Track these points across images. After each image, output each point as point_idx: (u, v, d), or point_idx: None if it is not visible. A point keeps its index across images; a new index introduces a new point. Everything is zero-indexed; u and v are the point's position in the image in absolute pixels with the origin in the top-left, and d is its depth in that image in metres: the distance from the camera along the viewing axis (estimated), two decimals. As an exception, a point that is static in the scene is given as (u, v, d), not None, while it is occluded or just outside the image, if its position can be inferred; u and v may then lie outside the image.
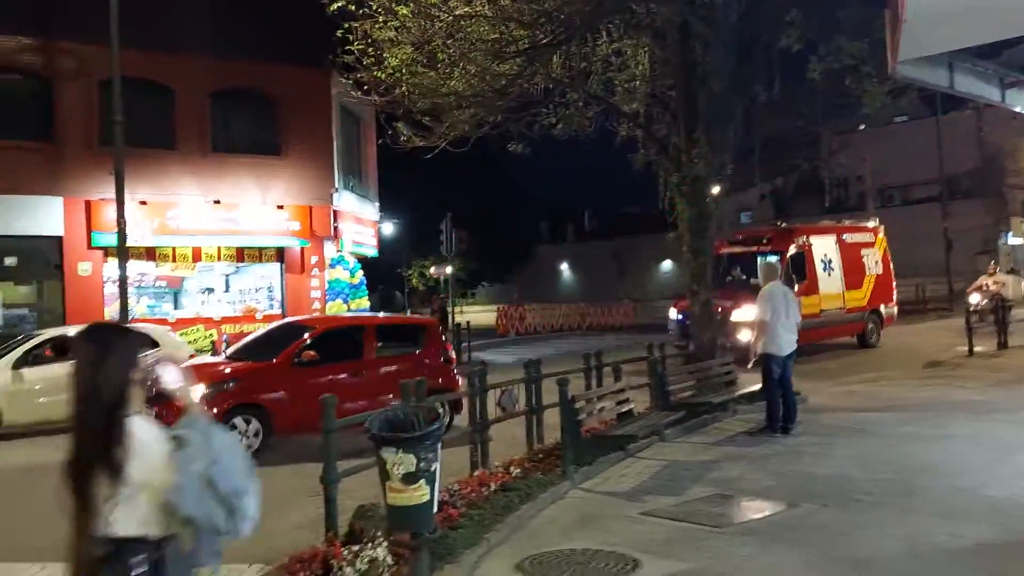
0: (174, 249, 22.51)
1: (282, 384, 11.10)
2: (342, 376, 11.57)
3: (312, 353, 11.37)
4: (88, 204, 20.68)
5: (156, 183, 21.32)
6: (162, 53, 20.77)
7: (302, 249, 23.91)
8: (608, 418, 10.16)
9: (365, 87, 12.91)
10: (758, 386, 11.48)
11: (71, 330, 14.60)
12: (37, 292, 21.37)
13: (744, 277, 19.58)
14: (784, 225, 21.75)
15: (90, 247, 20.84)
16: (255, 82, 23.12)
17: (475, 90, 12.06)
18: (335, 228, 24.48)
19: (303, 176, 23.74)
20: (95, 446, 2.70)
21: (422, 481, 4.77)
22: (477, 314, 42.66)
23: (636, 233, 50.22)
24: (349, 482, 6.71)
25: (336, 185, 24.59)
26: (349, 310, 24.47)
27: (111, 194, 17.27)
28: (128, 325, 3.13)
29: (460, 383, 12.29)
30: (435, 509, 4.91)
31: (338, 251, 24.85)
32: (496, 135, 13.36)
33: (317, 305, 24.21)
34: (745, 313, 16.32)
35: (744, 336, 14.64)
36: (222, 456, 2.82)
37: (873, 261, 21.97)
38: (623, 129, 14.36)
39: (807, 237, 20.25)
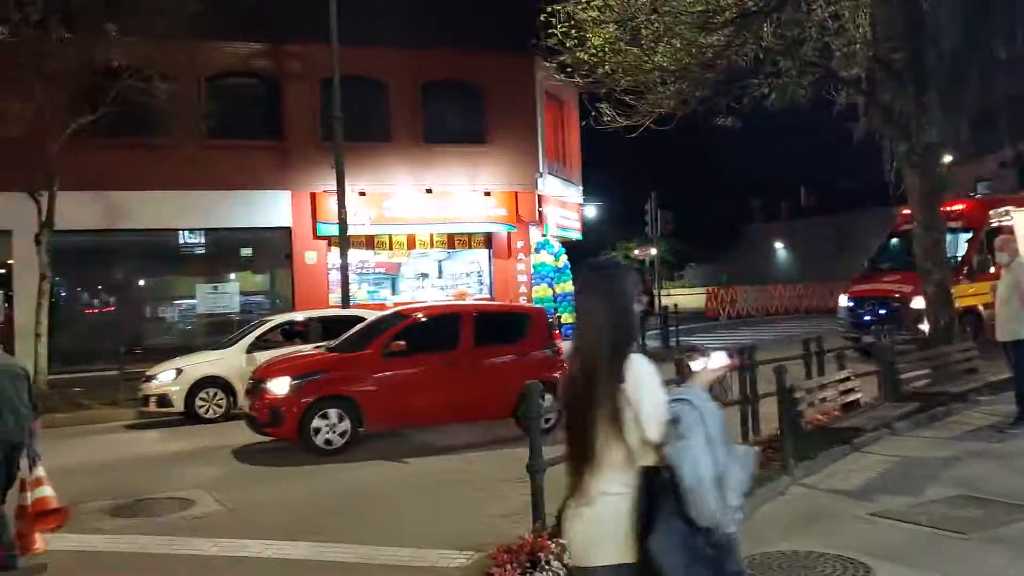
0: (391, 237, 23.57)
1: (372, 375, 10.75)
2: (436, 368, 10.98)
3: (402, 343, 10.81)
4: (313, 196, 22.05)
5: (373, 174, 22.37)
6: (376, 48, 21.68)
7: (508, 234, 24.30)
8: (831, 409, 9.47)
9: (568, 69, 12.76)
10: (1005, 375, 10.31)
11: (298, 315, 15.55)
12: (270, 280, 23.14)
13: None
14: (979, 196, 18.63)
15: (315, 237, 22.24)
16: (462, 71, 23.68)
17: (681, 65, 11.60)
18: (540, 212, 24.70)
19: (508, 162, 24.09)
20: (600, 379, 2.84)
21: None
22: (684, 296, 41.76)
23: (857, 208, 47.11)
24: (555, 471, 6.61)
25: (540, 170, 24.78)
26: (555, 294, 24.64)
27: (333, 186, 18.33)
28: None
29: None
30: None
31: (543, 235, 25.05)
32: (703, 110, 12.81)
33: (524, 289, 24.56)
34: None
35: (925, 326, 12.96)
36: (713, 435, 2.82)
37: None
38: (842, 97, 13.36)
39: (1008, 210, 17.26)
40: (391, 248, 23.78)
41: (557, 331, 12.29)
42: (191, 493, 8.73)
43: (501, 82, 23.92)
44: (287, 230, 22.19)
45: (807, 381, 9.18)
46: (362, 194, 21.95)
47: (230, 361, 13.69)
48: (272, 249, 22.45)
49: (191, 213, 21.05)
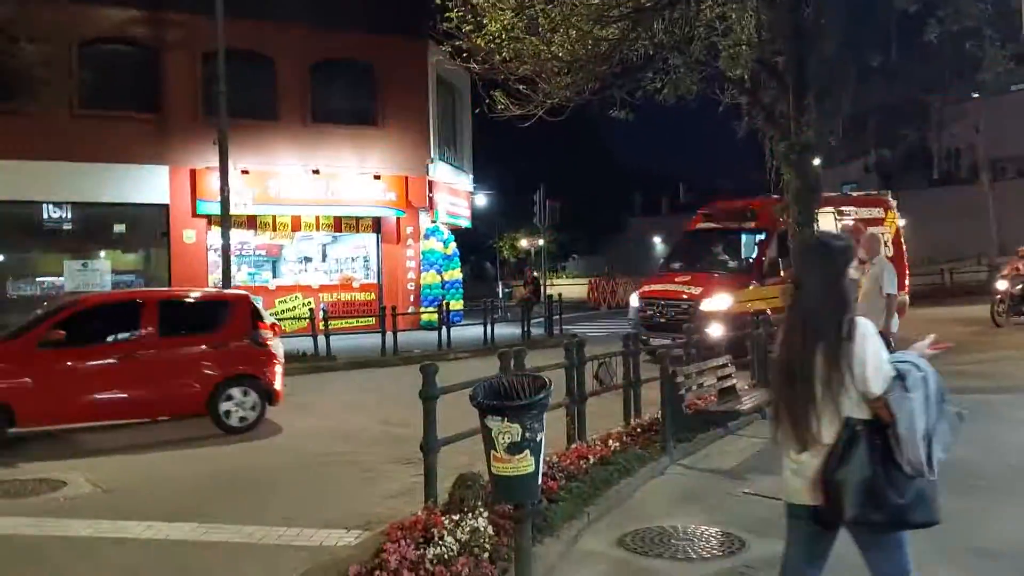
0: (274, 218, 23.01)
1: (23, 368, 9.68)
2: (106, 361, 10.07)
3: (62, 333, 9.80)
4: (193, 173, 21.28)
5: (258, 153, 21.77)
6: (264, 23, 21.11)
7: (398, 219, 24.12)
8: (709, 394, 9.87)
9: (463, 55, 12.75)
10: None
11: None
12: (144, 259, 22.19)
13: (721, 258, 16.98)
14: (770, 196, 18.22)
15: (195, 215, 21.48)
16: (354, 52, 23.33)
17: (576, 56, 11.78)
18: (430, 198, 24.62)
19: (399, 146, 23.89)
20: (827, 339, 3.24)
21: (527, 451, 4.62)
22: (568, 287, 42.46)
23: (732, 207, 48.95)
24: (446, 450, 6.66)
25: (432, 155, 24.70)
26: (443, 281, 24.62)
27: (215, 163, 17.73)
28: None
29: (277, 371, 10.90)
30: (539, 480, 4.78)
31: (433, 222, 24.98)
32: (595, 103, 13.06)
33: (412, 275, 24.43)
34: (718, 302, 15.00)
35: (715, 331, 12.78)
36: (932, 397, 3.23)
37: (881, 239, 19.04)
38: (727, 96, 13.87)
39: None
40: (274, 229, 23.23)
41: (269, 321, 11.28)
42: (63, 475, 8.32)
43: (393, 65, 23.67)
44: (164, 207, 21.35)
45: (687, 367, 9.51)
46: (245, 172, 21.32)
47: None
48: (147, 226, 21.55)
49: (58, 185, 19.98)
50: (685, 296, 15.19)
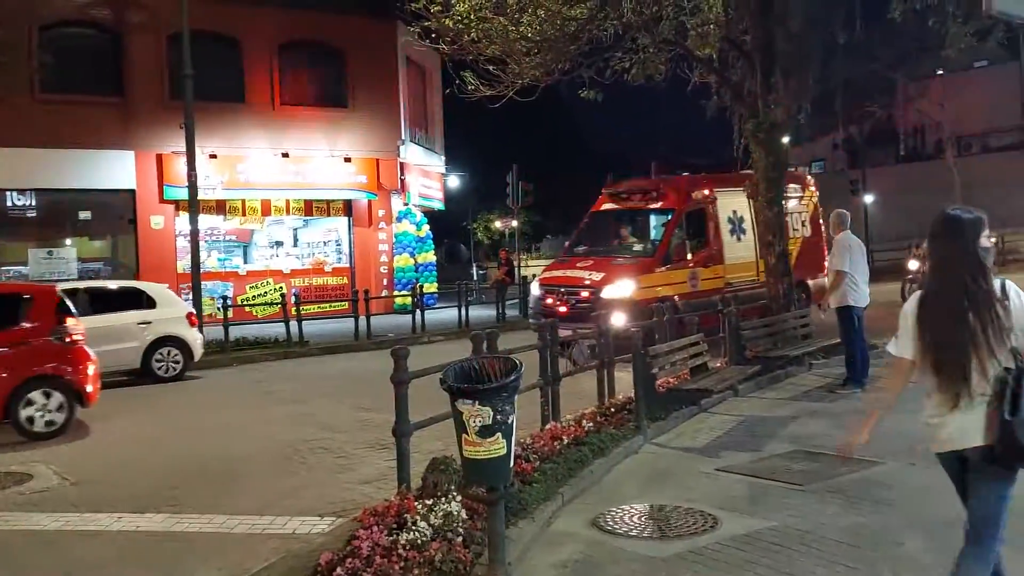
0: (244, 202, 22.76)
1: None
2: None
3: None
4: (159, 158, 20.98)
5: (226, 136, 21.49)
6: (229, 4, 20.80)
7: (369, 202, 23.96)
8: (681, 372, 9.92)
9: (432, 35, 12.66)
10: (836, 340, 11.10)
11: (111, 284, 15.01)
12: (111, 246, 21.90)
13: (625, 239, 15.65)
14: (678, 175, 16.58)
15: (162, 200, 21.20)
16: (322, 33, 23.07)
17: (544, 35, 11.73)
18: (402, 181, 24.47)
19: (370, 128, 23.70)
20: (981, 299, 3.62)
21: (499, 434, 4.62)
22: (541, 268, 42.42)
23: (704, 185, 49.17)
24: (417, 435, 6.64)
25: (403, 137, 24.53)
26: (416, 264, 24.53)
27: (182, 147, 17.50)
28: None
29: (88, 370, 10.07)
30: (511, 463, 4.78)
31: (405, 204, 24.85)
32: (565, 83, 13.02)
33: (385, 259, 24.31)
34: (619, 289, 13.51)
35: (618, 320, 11.56)
36: None
37: (799, 220, 17.10)
38: (696, 75, 13.88)
39: (710, 190, 15.58)
40: (244, 214, 22.98)
41: (177, 313, 10.48)
42: (28, 467, 8.21)
43: (362, 46, 23.43)
44: (131, 192, 21.05)
45: (659, 346, 9.54)
46: (213, 156, 21.06)
47: None
48: (114, 213, 21.24)
49: (20, 172, 19.63)
50: (586, 282, 13.90)
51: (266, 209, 23.15)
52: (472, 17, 11.81)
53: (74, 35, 20.59)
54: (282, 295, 20.55)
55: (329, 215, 24.07)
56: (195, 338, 14.26)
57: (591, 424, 8.04)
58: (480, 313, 22.21)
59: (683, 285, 14.22)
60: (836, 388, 10.38)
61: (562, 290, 14.26)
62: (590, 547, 5.53)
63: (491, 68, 12.64)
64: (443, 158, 29.67)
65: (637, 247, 15.17)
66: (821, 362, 11.99)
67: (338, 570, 4.71)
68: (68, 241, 21.06)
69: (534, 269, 35.44)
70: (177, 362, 13.91)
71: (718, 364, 10.94)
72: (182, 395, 12.80)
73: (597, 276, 13.89)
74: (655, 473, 7.26)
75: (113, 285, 15.17)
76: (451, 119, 29.47)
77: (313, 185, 22.98)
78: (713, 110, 14.34)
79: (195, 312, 15.01)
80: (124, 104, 20.80)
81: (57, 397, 9.71)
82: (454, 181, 33.46)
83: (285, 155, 22.36)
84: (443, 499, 5.51)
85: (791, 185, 16.41)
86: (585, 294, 13.80)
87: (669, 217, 14.92)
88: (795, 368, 11.64)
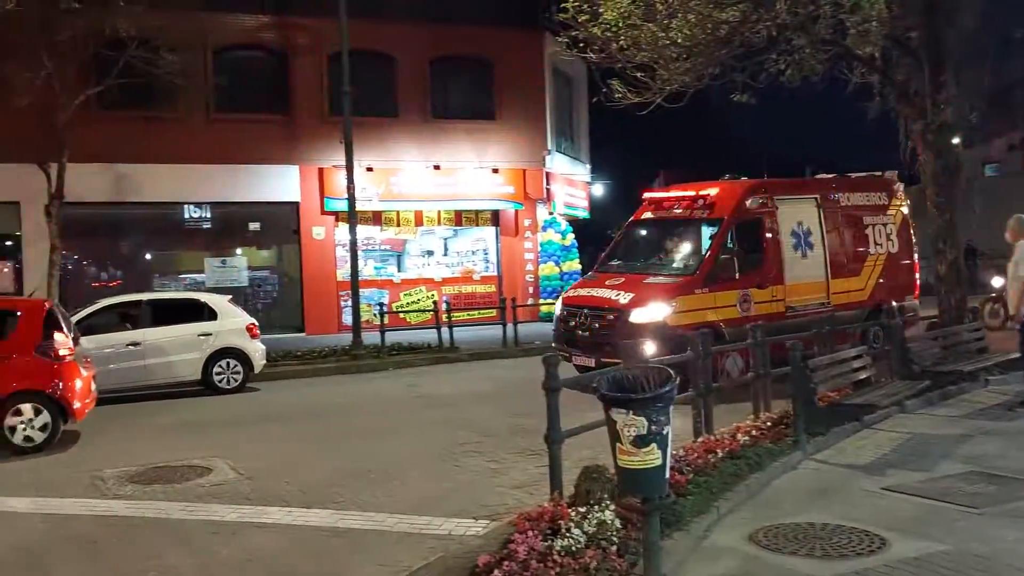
0: (398, 213, 23.55)
1: None
2: None
3: None
4: (321, 171, 22.02)
5: (381, 150, 22.32)
6: (385, 22, 21.61)
7: (516, 212, 24.28)
8: (843, 386, 9.51)
9: (580, 45, 12.72)
10: (1016, 354, 10.34)
11: (130, 298, 14.39)
12: (277, 255, 23.17)
13: (667, 254, 13.40)
14: (729, 178, 14.16)
15: (323, 212, 22.23)
16: (471, 47, 23.58)
17: (695, 40, 11.56)
18: (547, 190, 24.67)
19: (516, 139, 24.02)
20: None
21: (653, 444, 4.58)
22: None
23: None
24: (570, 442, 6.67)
25: (548, 147, 24.73)
26: (561, 272, 24.65)
27: (341, 161, 18.32)
28: None
29: (75, 386, 9.88)
30: (667, 474, 4.72)
31: (550, 213, 25.02)
32: (716, 87, 12.79)
33: (531, 267, 24.57)
34: (651, 312, 11.65)
35: (649, 348, 10.58)
36: None
37: (883, 234, 14.61)
38: (856, 75, 13.30)
39: (769, 198, 13.28)
40: (398, 224, 23.77)
41: (63, 328, 9.96)
42: (207, 461, 8.78)
43: (510, 58, 23.82)
44: (295, 205, 22.18)
45: (820, 359, 9.18)
46: (369, 169, 21.90)
47: None
48: (280, 224, 22.44)
49: (198, 187, 21.03)
50: (614, 303, 11.99)
51: (419, 220, 23.87)
52: (621, 25, 11.78)
53: (244, 58, 21.93)
54: (434, 302, 21.13)
55: (477, 225, 24.56)
56: (255, 350, 14.08)
57: (746, 438, 7.84)
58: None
59: (731, 310, 12.21)
60: (1015, 406, 9.67)
61: (585, 311, 12.36)
62: (748, 563, 5.38)
63: (639, 75, 12.58)
64: (588, 167, 29.70)
65: (678, 264, 12.92)
66: (998, 378, 11.19)
67: (495, 572, 4.79)
68: (239, 251, 22.42)
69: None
70: (237, 374, 13.83)
71: (883, 378, 10.41)
72: (339, 398, 13.33)
73: (626, 297, 11.97)
74: (815, 490, 6.98)
75: (175, 297, 15.41)
76: (597, 127, 29.47)
77: (462, 196, 23.52)
78: (876, 112, 13.65)
79: (255, 324, 14.51)
80: (289, 121, 21.96)
81: (42, 413, 9.65)
82: (599, 189, 33.38)
83: (436, 167, 22.98)
84: (596, 507, 5.51)
85: (873, 193, 14.67)
86: (611, 317, 11.91)
87: (716, 228, 12.69)
88: (969, 384, 10.93)
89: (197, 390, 13.74)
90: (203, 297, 14.58)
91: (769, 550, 5.56)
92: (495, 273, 24.48)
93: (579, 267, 25.88)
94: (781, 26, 12.04)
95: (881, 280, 14.33)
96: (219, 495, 7.61)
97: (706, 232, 12.89)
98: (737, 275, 12.42)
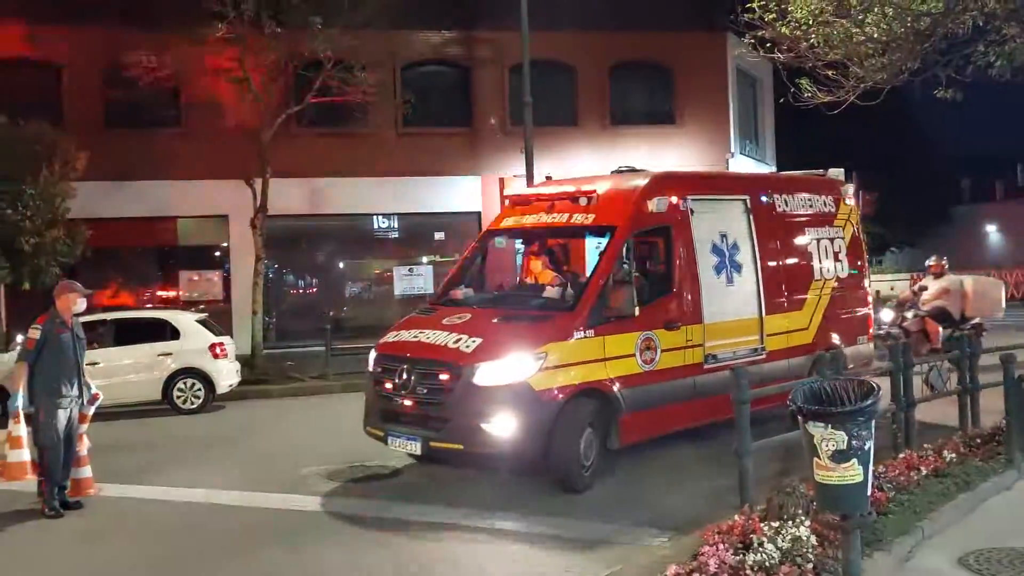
0: (577, 219, 23.67)
1: None
2: None
3: None
4: (501, 181, 22.48)
5: (558, 158, 22.45)
6: (565, 32, 21.81)
7: (694, 217, 23.81)
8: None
9: (767, 45, 12.31)
10: None
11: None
12: (461, 263, 23.85)
13: (536, 278, 9.57)
14: (629, 169, 10.51)
15: (504, 221, 22.66)
16: (651, 52, 23.39)
17: (892, 35, 10.92)
18: (730, 194, 24.02)
19: (698, 143, 23.60)
20: None
21: (854, 460, 4.40)
22: (884, 282, 39.46)
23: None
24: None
25: (732, 150, 24.14)
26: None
27: (520, 171, 18.63)
28: None
29: None
30: (868, 491, 4.51)
31: (733, 217, 24.36)
32: (915, 84, 12.02)
33: (712, 273, 24.03)
34: (507, 369, 7.72)
35: (503, 427, 7.55)
36: None
37: (830, 252, 10.99)
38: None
39: (679, 197, 9.29)
40: (578, 231, 23.89)
41: None
42: (399, 462, 9.16)
43: (692, 61, 23.42)
44: (476, 214, 22.77)
45: (1036, 372, 8.45)
46: (548, 178, 22.08)
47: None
48: (463, 233, 23.10)
49: (386, 198, 21.99)
50: (452, 355, 7.99)
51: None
52: (811, 22, 11.32)
53: (429, 73, 22.76)
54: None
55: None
56: (218, 370, 13.64)
57: (953, 455, 7.34)
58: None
59: (627, 362, 8.34)
60: None
61: (407, 367, 8.19)
62: (958, 589, 5.04)
63: (830, 73, 12.03)
64: (774, 168, 28.70)
65: (550, 294, 8.93)
66: None
67: (684, 584, 4.73)
68: (424, 259, 23.30)
69: (877, 284, 33.06)
70: (199, 395, 13.47)
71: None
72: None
73: (470, 343, 7.99)
74: (1034, 514, 6.45)
75: (139, 316, 14.93)
76: (783, 127, 28.46)
77: (642, 202, 23.30)
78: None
79: (223, 343, 13.91)
80: (471, 133, 22.60)
81: None
82: (785, 193, 32.22)
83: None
84: (790, 523, 5.33)
85: (819, 197, 11.12)
86: (445, 376, 7.90)
87: (606, 240, 8.81)
88: None
89: (161, 409, 13.39)
90: (168, 316, 14.26)
91: (981, 575, 5.19)
92: (674, 280, 24.12)
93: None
94: (989, 15, 11.18)
95: (830, 316, 10.61)
96: (411, 496, 7.93)
97: (592, 247, 9.98)
98: (636, 311, 8.32)
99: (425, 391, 8.03)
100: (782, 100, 13.39)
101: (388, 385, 8.33)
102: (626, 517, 6.87)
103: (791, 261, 10.40)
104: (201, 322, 14.18)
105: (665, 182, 9.46)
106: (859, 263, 11.53)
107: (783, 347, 9.86)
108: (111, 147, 18.15)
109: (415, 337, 8.57)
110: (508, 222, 10.29)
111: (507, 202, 10.95)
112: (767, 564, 4.83)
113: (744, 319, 9.61)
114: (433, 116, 22.21)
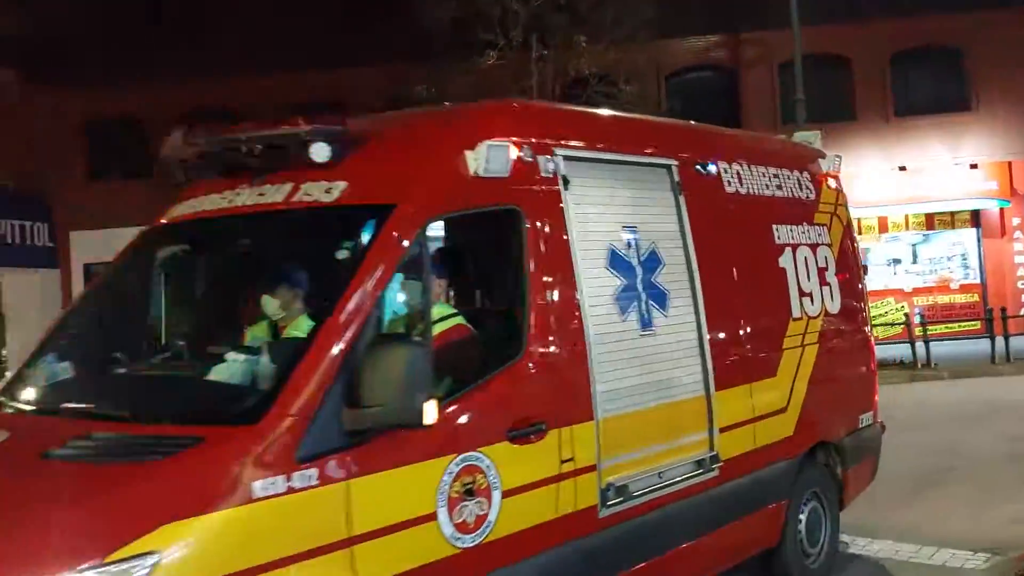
0: (859, 220, 22.25)
1: None
2: None
3: None
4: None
5: (840, 155, 21.37)
6: (838, 25, 20.78)
7: (1001, 210, 21.65)
8: None
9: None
10: None
11: None
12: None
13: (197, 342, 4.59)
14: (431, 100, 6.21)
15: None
16: (937, 36, 21.65)
17: None
18: (1041, 184, 21.50)
19: (998, 129, 21.46)
20: None
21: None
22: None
23: None
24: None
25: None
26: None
27: (795, 172, 17.87)
28: None
29: None
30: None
31: (1049, 208, 21.78)
32: None
33: (1022, 272, 21.66)
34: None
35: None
36: None
37: (814, 267, 6.16)
38: None
39: (538, 150, 4.28)
40: (860, 232, 22.43)
41: None
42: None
43: (986, 41, 21.26)
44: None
45: None
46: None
47: None
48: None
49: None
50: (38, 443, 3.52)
51: (883, 226, 22.35)
52: None
53: (694, 79, 22.51)
54: (905, 315, 19.58)
55: (953, 227, 22.23)
56: None
57: None
58: None
59: (412, 539, 3.49)
60: None
61: None
62: None
63: None
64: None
65: (227, 368, 3.97)
66: None
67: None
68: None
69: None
70: None
71: None
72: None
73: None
74: None
75: None
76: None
77: (932, 197, 21.48)
78: None
79: None
80: (739, 136, 22.06)
81: None
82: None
83: (901, 168, 21.33)
84: None
85: (790, 172, 6.41)
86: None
87: (367, 241, 3.82)
88: None
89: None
90: None
91: None
92: (977, 280, 21.97)
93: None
94: None
95: (819, 380, 5.86)
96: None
97: (330, 252, 4.29)
98: (434, 411, 3.39)
99: None
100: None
101: None
102: (928, 537, 6.33)
103: (755, 284, 5.59)
104: None
105: (506, 117, 4.53)
106: (856, 285, 6.94)
107: (747, 449, 5.21)
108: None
109: None
110: (179, 211, 4.69)
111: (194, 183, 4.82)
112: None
113: (677, 401, 4.79)
114: (702, 122, 21.94)
